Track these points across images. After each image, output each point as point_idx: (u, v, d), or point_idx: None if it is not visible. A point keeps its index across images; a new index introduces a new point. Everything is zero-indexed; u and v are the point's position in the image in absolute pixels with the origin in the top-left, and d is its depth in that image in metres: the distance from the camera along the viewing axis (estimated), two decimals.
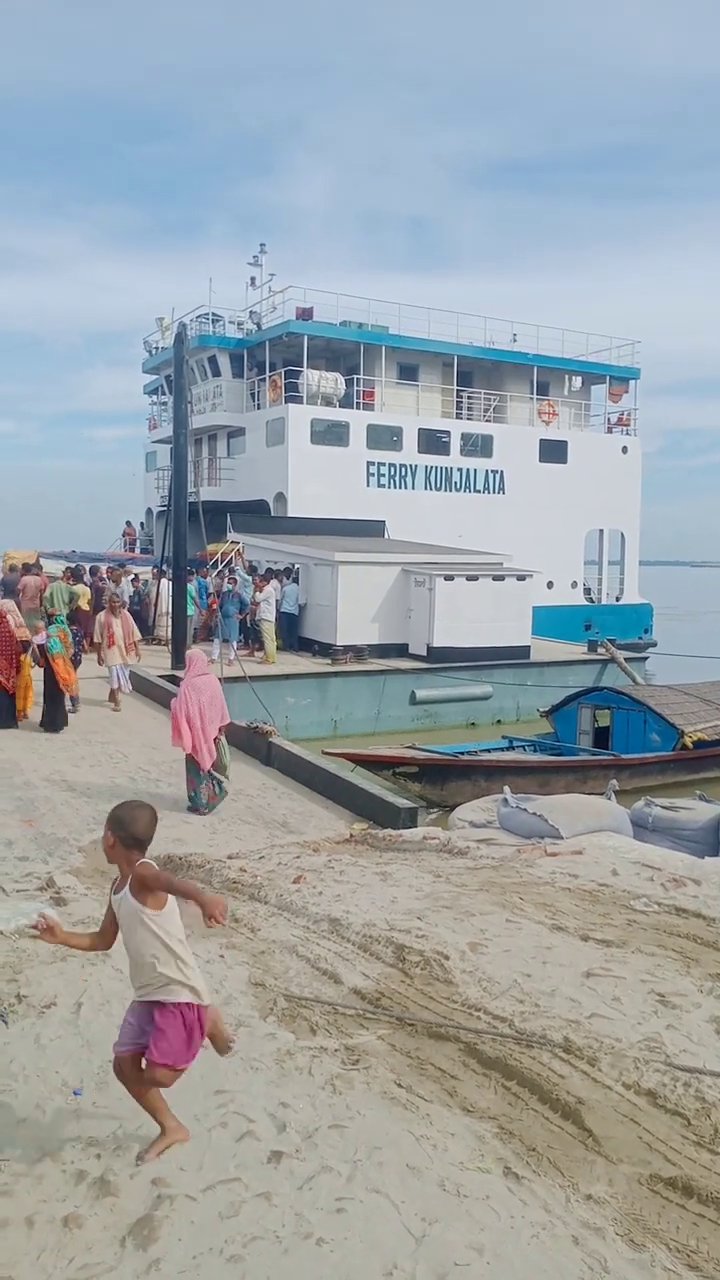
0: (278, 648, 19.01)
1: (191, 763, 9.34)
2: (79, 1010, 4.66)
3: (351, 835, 8.65)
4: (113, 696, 14.47)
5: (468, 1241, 3.08)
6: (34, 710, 13.13)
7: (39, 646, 12.79)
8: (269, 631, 18.73)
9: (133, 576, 21.22)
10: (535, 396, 31.74)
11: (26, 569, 20.34)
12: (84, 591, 19.37)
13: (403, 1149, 3.58)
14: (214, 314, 30.51)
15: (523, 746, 15.19)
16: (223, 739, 9.48)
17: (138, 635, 14.81)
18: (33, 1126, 3.74)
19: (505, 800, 9.51)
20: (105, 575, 20.24)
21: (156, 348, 33.72)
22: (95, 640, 15.15)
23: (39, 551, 25.83)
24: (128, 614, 14.73)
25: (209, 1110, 3.80)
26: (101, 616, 14.52)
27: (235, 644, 18.74)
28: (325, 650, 19.54)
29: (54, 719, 12.86)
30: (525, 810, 8.92)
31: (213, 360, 30.20)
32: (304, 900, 6.42)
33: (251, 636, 19.47)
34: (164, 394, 33.45)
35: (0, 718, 12.89)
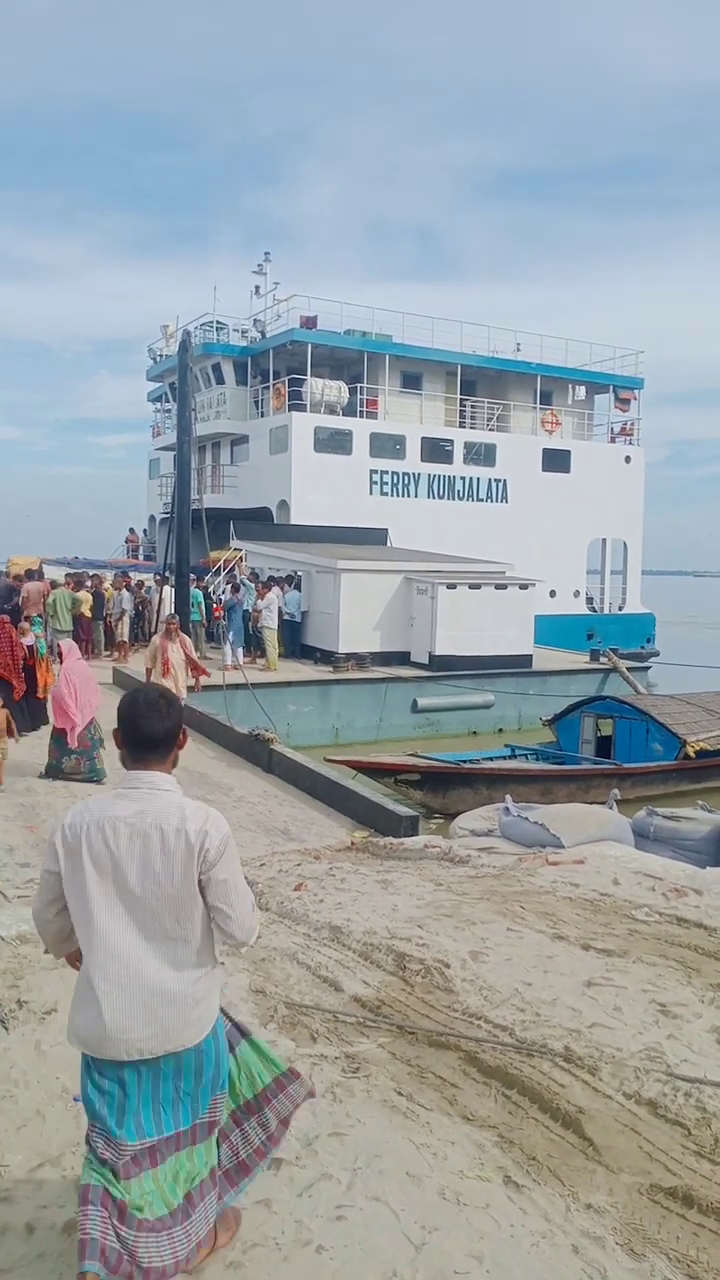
0: (279, 655, 19.04)
1: (60, 737, 10.46)
2: None
3: (353, 843, 8.65)
4: None
5: (467, 1250, 3.08)
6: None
7: (29, 648, 12.84)
8: (271, 639, 18.75)
9: (135, 584, 21.27)
10: (538, 406, 31.82)
11: (29, 575, 20.39)
12: (86, 598, 19.46)
13: (403, 1157, 3.58)
14: (218, 322, 30.62)
15: (525, 755, 15.20)
16: (96, 719, 10.63)
17: (195, 654, 12.84)
18: (32, 1133, 3.74)
19: (507, 809, 9.51)
20: (111, 584, 20.31)
21: (161, 355, 33.83)
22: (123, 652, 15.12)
23: (42, 558, 25.90)
24: (185, 637, 12.57)
25: None
26: (156, 639, 12.61)
27: (239, 650, 18.86)
28: (327, 658, 19.56)
29: (34, 721, 12.96)
30: (527, 819, 8.92)
31: (217, 368, 30.30)
32: (305, 907, 6.42)
33: (253, 643, 19.50)
34: (168, 401, 33.56)
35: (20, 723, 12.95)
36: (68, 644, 11.27)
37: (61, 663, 10.81)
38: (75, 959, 2.83)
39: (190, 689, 12.69)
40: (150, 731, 2.73)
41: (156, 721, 2.74)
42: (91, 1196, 2.64)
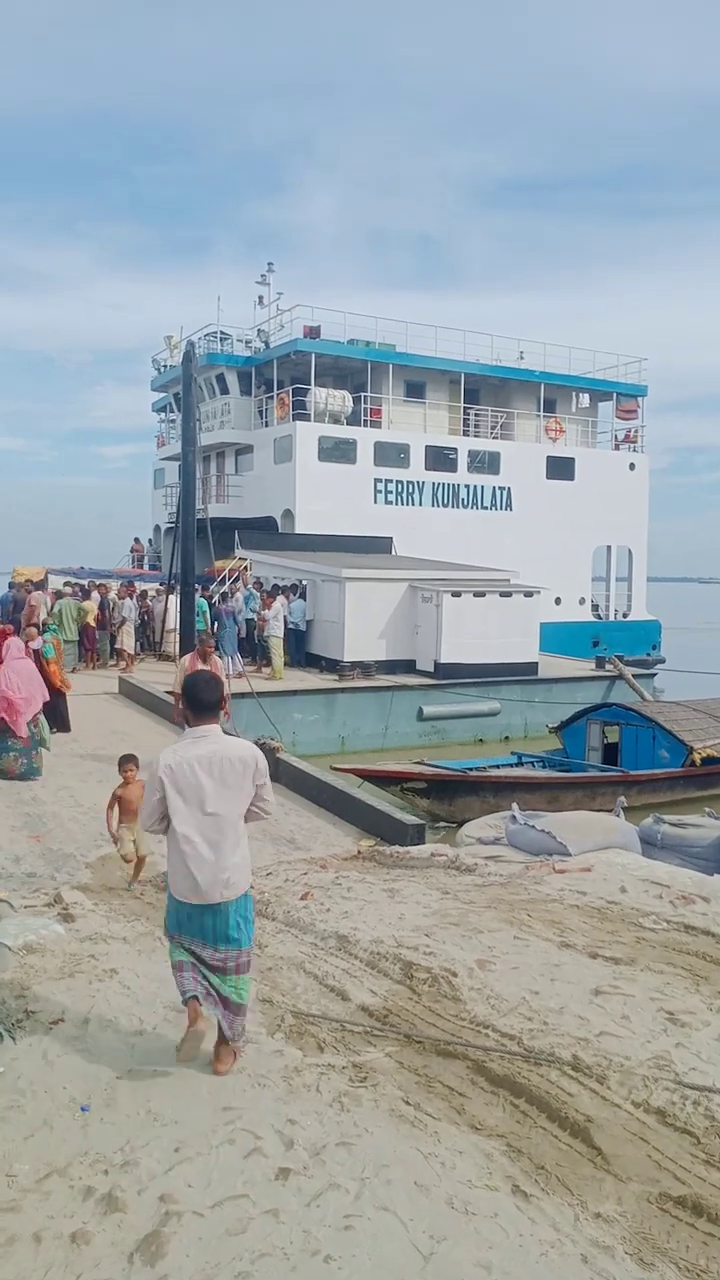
0: (285, 664, 19.05)
1: (6, 732, 10.58)
2: (86, 1026, 4.66)
3: (359, 852, 8.65)
4: None
5: (476, 1259, 3.07)
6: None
7: (35, 652, 12.91)
8: (276, 647, 18.77)
9: (139, 593, 21.32)
10: (542, 414, 31.87)
11: (32, 586, 20.45)
12: (91, 608, 19.51)
13: (411, 1166, 3.57)
14: (222, 332, 30.71)
15: (531, 763, 15.17)
16: (41, 717, 10.94)
17: (228, 690, 11.26)
18: (41, 1142, 3.74)
19: (513, 817, 9.50)
20: (116, 593, 20.35)
21: (165, 366, 33.94)
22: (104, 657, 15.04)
23: (47, 568, 25.96)
24: (218, 659, 11.46)
25: (216, 1127, 3.79)
26: (185, 661, 11.34)
27: (236, 658, 18.97)
28: (333, 666, 19.57)
29: (61, 721, 13.10)
30: (533, 827, 8.91)
31: (221, 378, 30.39)
32: (311, 917, 6.41)
33: (259, 652, 19.51)
34: (173, 412, 33.64)
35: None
36: (10, 640, 11.41)
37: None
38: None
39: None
40: (209, 699, 4.24)
41: (211, 692, 4.26)
42: (184, 966, 4.20)
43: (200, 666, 10.27)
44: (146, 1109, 3.94)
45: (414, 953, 5.62)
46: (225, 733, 4.39)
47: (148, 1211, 3.28)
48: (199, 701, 4.19)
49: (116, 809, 7.33)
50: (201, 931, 4.15)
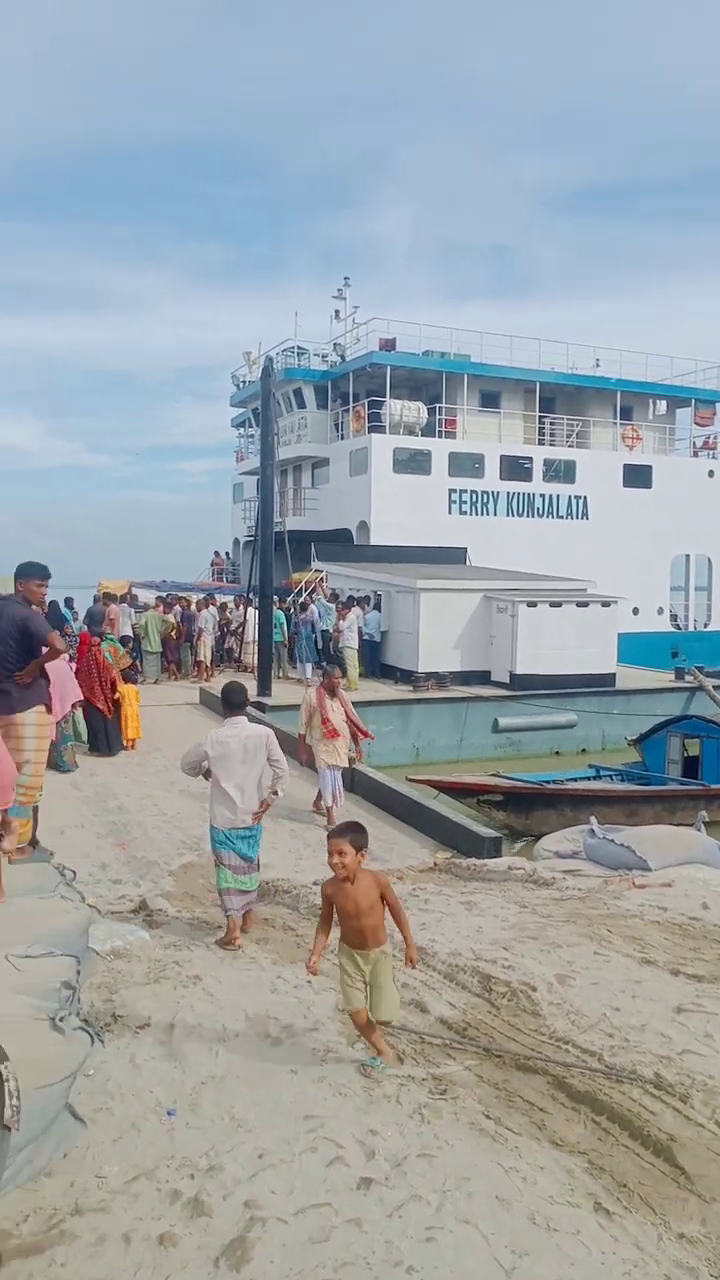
0: (359, 674, 19.15)
1: None
2: (172, 1032, 4.77)
3: (435, 864, 8.65)
4: (318, 806, 10.37)
5: (558, 1276, 3.07)
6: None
7: (95, 650, 13.32)
8: (351, 658, 18.87)
9: (220, 605, 21.66)
10: (619, 421, 31.50)
11: (114, 599, 20.92)
12: (172, 620, 19.91)
13: (492, 1180, 3.58)
14: (299, 347, 31.09)
15: (609, 776, 14.98)
16: (76, 712, 11.71)
17: (356, 715, 10.45)
18: (128, 1145, 3.84)
19: (592, 830, 9.41)
20: (195, 605, 20.74)
21: (244, 381, 34.48)
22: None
23: (131, 581, 26.53)
24: (344, 694, 10.39)
25: (299, 1134, 3.85)
26: (310, 695, 10.30)
27: (311, 665, 19.26)
28: (407, 677, 19.59)
29: (112, 745, 13.46)
30: (612, 841, 8.81)
31: (298, 393, 30.75)
32: (389, 928, 6.44)
33: (335, 663, 19.64)
34: (251, 427, 34.15)
35: (98, 744, 13.29)
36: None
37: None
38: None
39: (352, 760, 10.47)
40: (237, 701, 6.47)
41: (239, 696, 6.48)
42: (230, 893, 6.24)
43: (327, 700, 9.91)
44: (230, 1115, 4.02)
45: (492, 966, 5.61)
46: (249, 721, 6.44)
47: (233, 1216, 3.35)
48: (230, 702, 6.48)
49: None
50: (234, 847, 6.23)
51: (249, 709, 7.51)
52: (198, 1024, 4.86)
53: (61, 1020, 3.93)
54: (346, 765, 10.19)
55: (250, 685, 17.81)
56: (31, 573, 6.78)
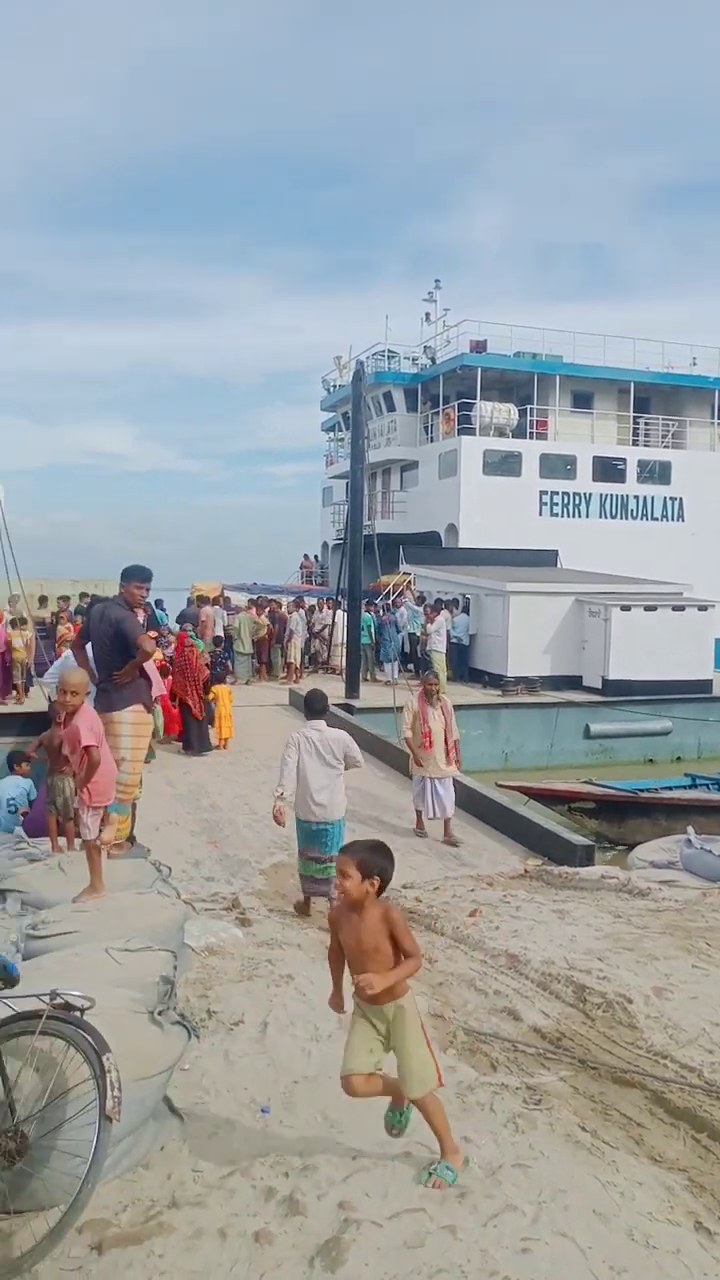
0: (448, 678, 19.06)
1: None
2: (265, 1030, 4.81)
3: (526, 870, 8.56)
4: (420, 825, 9.82)
5: None
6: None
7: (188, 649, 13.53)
8: (439, 662, 18.80)
9: (308, 607, 21.82)
10: (717, 421, 30.70)
11: (206, 601, 21.27)
12: (266, 623, 20.15)
13: (589, 1194, 3.51)
14: (389, 350, 31.16)
15: (707, 785, 14.57)
16: (156, 706, 11.38)
17: (456, 733, 9.84)
18: (223, 1141, 3.89)
19: (689, 841, 9.19)
20: (285, 608, 20.96)
21: (334, 386, 34.70)
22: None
23: (223, 583, 26.95)
24: (447, 701, 9.95)
25: (391, 1139, 3.84)
26: (413, 702, 9.93)
27: (395, 665, 19.41)
28: (496, 681, 19.44)
29: (201, 744, 13.67)
30: (711, 852, 8.59)
31: (388, 396, 30.81)
32: (480, 934, 6.40)
33: (422, 666, 19.62)
34: (341, 430, 34.34)
35: (190, 743, 13.53)
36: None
37: None
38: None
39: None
40: (319, 706, 6.98)
41: (321, 702, 7.01)
42: (308, 879, 6.93)
43: (428, 707, 9.62)
44: (323, 1115, 4.04)
45: (586, 976, 5.52)
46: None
47: (327, 1217, 3.35)
48: (313, 707, 7.01)
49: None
50: (316, 842, 6.77)
51: (335, 710, 8.03)
52: (290, 1023, 4.89)
53: (160, 1014, 4.00)
54: (444, 775, 9.60)
55: (338, 688, 17.96)
56: (133, 575, 7.00)
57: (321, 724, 6.86)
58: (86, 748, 5.50)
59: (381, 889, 3.51)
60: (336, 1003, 3.77)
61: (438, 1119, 3.58)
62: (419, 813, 9.76)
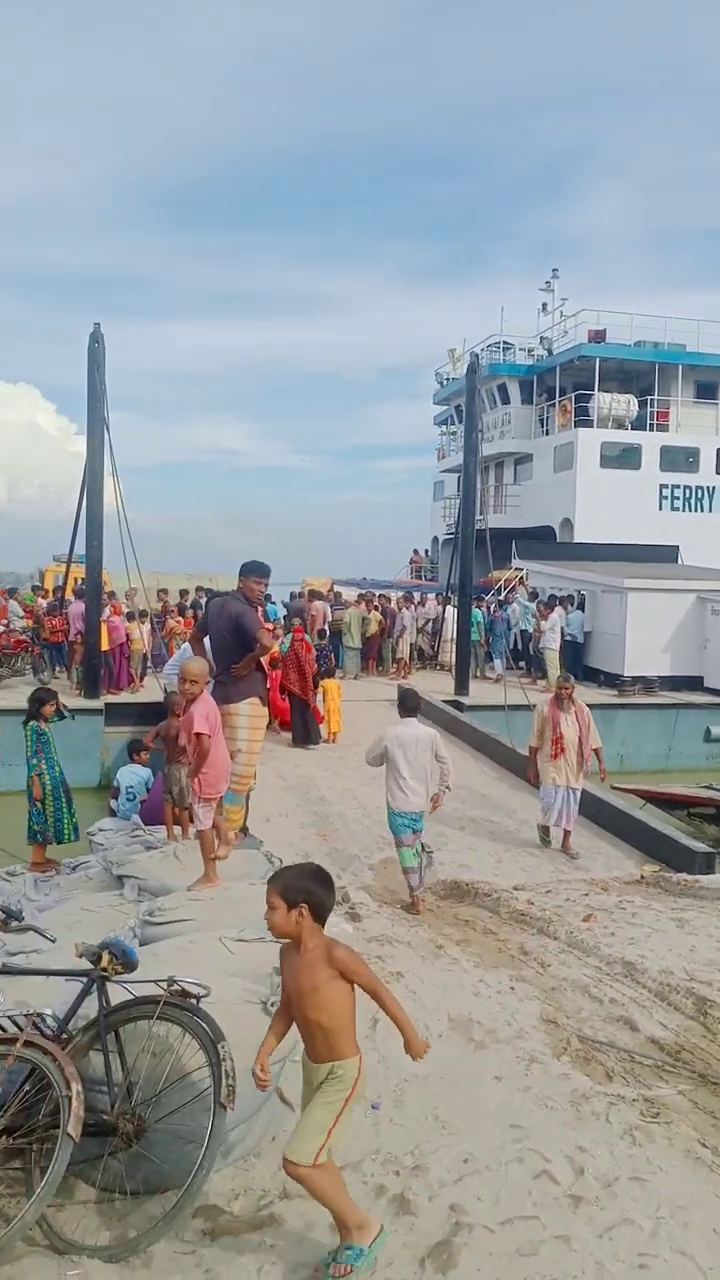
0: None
1: None
2: (375, 1026, 4.78)
3: (643, 876, 8.32)
4: (553, 835, 9.18)
5: None
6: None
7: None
8: (552, 660, 18.48)
9: (418, 601, 21.74)
10: None
11: (319, 595, 21.41)
12: (376, 618, 20.16)
13: (710, 1212, 3.39)
14: (504, 342, 30.78)
15: None
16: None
17: (598, 741, 9.17)
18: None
19: None
20: (395, 603, 20.94)
21: (447, 379, 34.48)
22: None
23: (333, 579, 27.12)
24: (583, 705, 9.25)
25: (504, 1143, 3.78)
26: (544, 708, 9.23)
27: (501, 662, 19.26)
28: (612, 681, 18.99)
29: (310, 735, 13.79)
30: None
31: (502, 388, 30.45)
32: (595, 940, 6.25)
33: (534, 665, 19.34)
34: (454, 424, 34.10)
35: (297, 734, 13.67)
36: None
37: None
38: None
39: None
40: (411, 705, 7.16)
41: (413, 701, 7.22)
42: (411, 870, 7.07)
43: (560, 712, 8.96)
44: (434, 1115, 4.01)
45: (708, 988, 5.34)
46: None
47: (438, 1219, 3.32)
48: (405, 706, 7.18)
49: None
50: (413, 829, 7.03)
51: (444, 707, 7.93)
52: None
53: (272, 1005, 4.03)
54: (575, 785, 8.97)
55: (446, 684, 17.86)
56: (252, 571, 7.14)
57: (413, 721, 7.11)
58: (198, 734, 5.59)
59: (318, 919, 3.05)
60: (257, 1069, 3.10)
61: (324, 1196, 3.02)
62: (543, 827, 9.16)
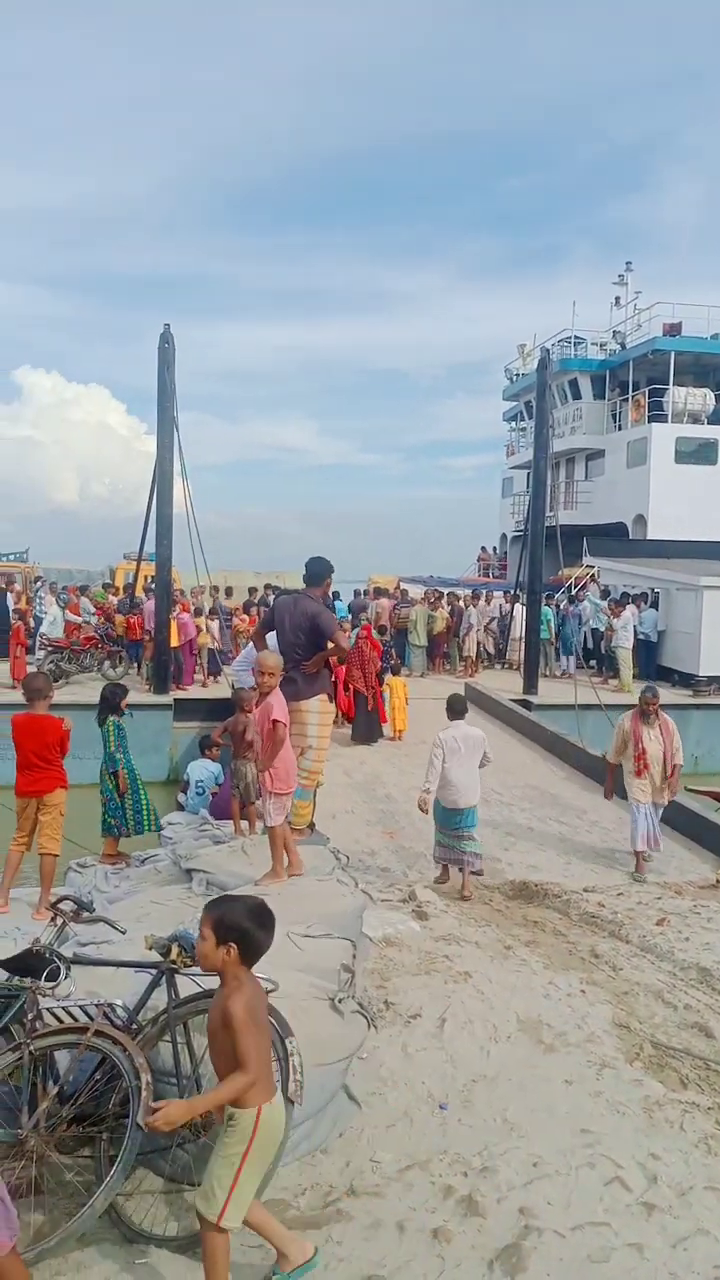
0: (633, 676, 18.41)
1: None
2: (443, 1026, 4.76)
3: (718, 881, 8.13)
4: (640, 865, 8.41)
5: None
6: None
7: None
8: (625, 659, 18.18)
9: (484, 599, 21.56)
10: None
11: (384, 593, 21.39)
12: (442, 615, 20.06)
13: None
14: (576, 336, 30.35)
15: None
16: None
17: (679, 757, 8.61)
18: (401, 1133, 3.87)
19: None
20: (463, 601, 20.81)
21: (517, 374, 34.15)
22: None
23: (399, 577, 27.06)
24: (669, 720, 8.71)
25: (574, 1148, 3.72)
26: (625, 722, 8.79)
27: (570, 659, 19.10)
28: (686, 681, 18.61)
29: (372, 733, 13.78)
30: None
31: (574, 383, 30.04)
32: (669, 944, 6.12)
33: (606, 664, 19.05)
34: (523, 420, 33.78)
35: (358, 731, 13.68)
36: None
37: None
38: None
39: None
40: (460, 709, 7.76)
41: (461, 705, 7.82)
42: (449, 846, 7.63)
43: (643, 727, 8.49)
44: (503, 1117, 3.95)
45: None
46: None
47: (507, 1222, 3.28)
48: (454, 710, 7.72)
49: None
50: (453, 823, 7.50)
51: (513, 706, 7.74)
52: (468, 1021, 4.82)
53: (340, 1002, 4.03)
54: (661, 801, 8.53)
55: (515, 683, 17.67)
56: (326, 570, 7.23)
57: (462, 724, 7.62)
58: (275, 721, 5.60)
59: (246, 959, 2.83)
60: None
61: (208, 1263, 2.79)
62: (638, 853, 8.40)
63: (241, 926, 2.79)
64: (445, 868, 7.72)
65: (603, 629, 19.29)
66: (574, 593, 21.69)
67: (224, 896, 2.98)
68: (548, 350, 20.26)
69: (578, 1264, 3.07)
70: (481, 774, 7.64)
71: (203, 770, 9.69)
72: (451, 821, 7.54)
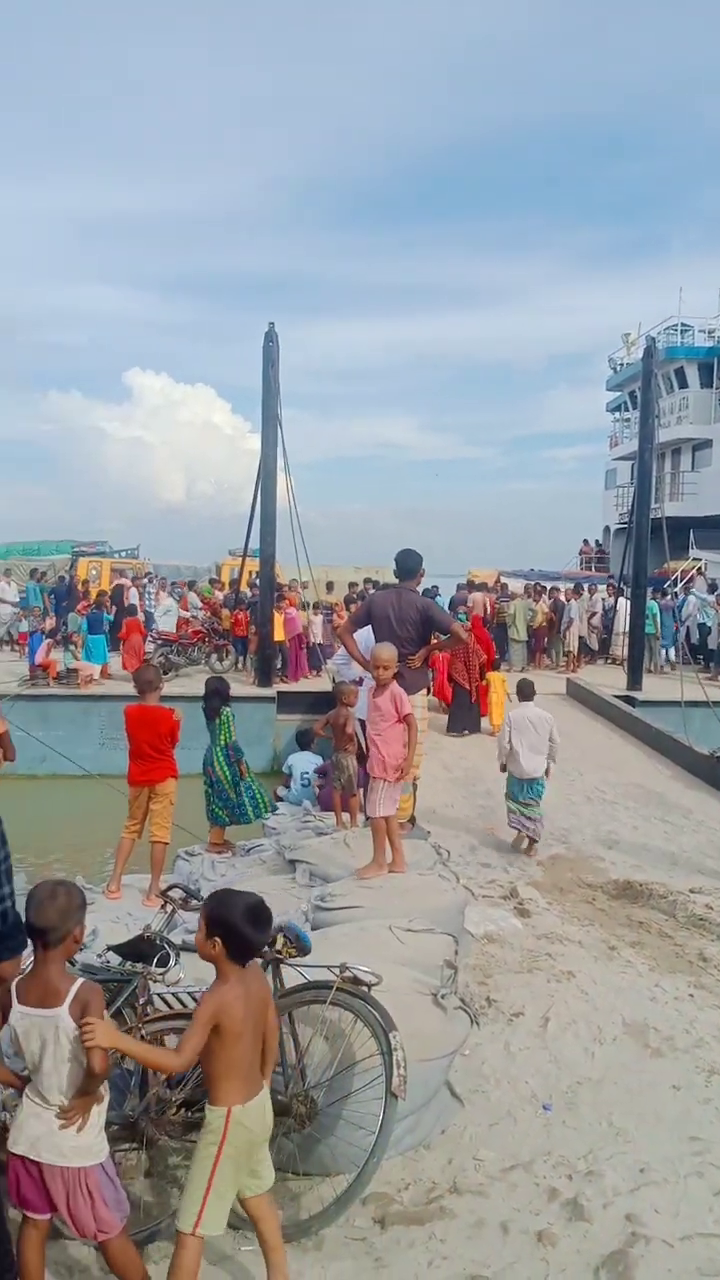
0: None
1: None
2: (546, 1025, 4.71)
3: None
4: None
5: None
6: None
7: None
8: None
9: (587, 591, 21.18)
10: None
11: (482, 587, 21.19)
12: (543, 609, 19.79)
13: None
14: (683, 324, 29.59)
15: None
16: None
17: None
18: (504, 1132, 3.85)
19: None
20: (564, 595, 20.49)
21: (621, 364, 33.47)
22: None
23: (499, 570, 26.80)
24: None
25: (683, 1155, 3.64)
26: None
27: (668, 651, 18.78)
28: None
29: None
30: None
31: (680, 372, 29.29)
32: None
33: (715, 659, 18.52)
34: (628, 410, 33.07)
35: (455, 724, 13.68)
36: None
37: None
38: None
39: None
40: (529, 693, 8.64)
41: (530, 689, 8.69)
42: (515, 813, 8.46)
43: None
44: (608, 1121, 3.89)
45: None
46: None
47: (613, 1228, 3.22)
48: (523, 694, 8.54)
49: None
50: (525, 793, 8.24)
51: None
52: (572, 1021, 4.76)
53: (442, 997, 4.02)
54: None
55: (619, 679, 17.31)
56: (418, 564, 7.21)
57: (530, 705, 8.52)
58: (406, 716, 5.61)
59: (234, 957, 2.76)
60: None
61: (172, 1272, 2.68)
62: None
63: (228, 922, 2.73)
64: (520, 833, 8.48)
65: (710, 625, 18.76)
66: (679, 587, 21.18)
67: (225, 890, 2.95)
68: (653, 339, 19.80)
69: (688, 1276, 3.00)
70: (562, 760, 8.59)
71: (308, 761, 9.79)
72: (522, 791, 8.36)
